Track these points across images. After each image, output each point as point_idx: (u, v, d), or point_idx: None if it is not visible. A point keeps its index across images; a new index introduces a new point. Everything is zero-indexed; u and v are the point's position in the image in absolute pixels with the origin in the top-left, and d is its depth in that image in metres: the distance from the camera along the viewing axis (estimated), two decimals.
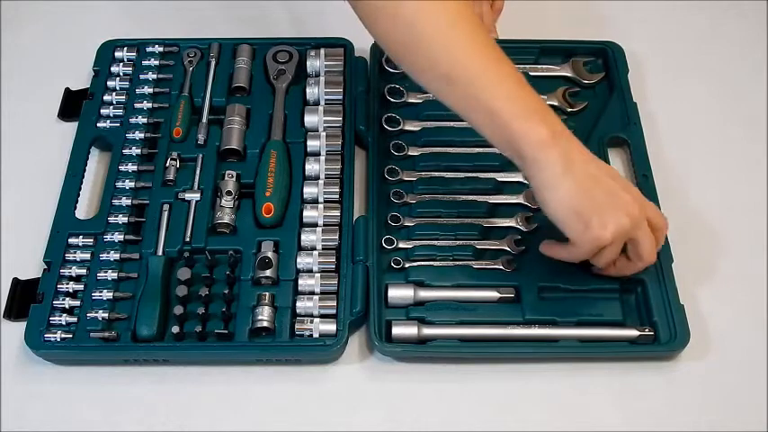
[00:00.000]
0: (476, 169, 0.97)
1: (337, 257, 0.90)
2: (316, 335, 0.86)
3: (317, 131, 0.99)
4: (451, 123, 0.98)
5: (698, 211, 0.97)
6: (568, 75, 1.05)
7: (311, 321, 0.86)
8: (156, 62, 1.04)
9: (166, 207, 0.93)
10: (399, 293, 0.88)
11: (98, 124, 1.00)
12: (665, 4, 1.15)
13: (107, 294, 0.88)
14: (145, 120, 1.00)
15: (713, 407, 0.85)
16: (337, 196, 0.94)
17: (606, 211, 0.78)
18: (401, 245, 0.92)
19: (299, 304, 0.87)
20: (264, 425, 0.83)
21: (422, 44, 0.78)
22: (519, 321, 0.87)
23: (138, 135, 0.98)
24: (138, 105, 1.01)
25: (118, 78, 1.03)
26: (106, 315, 0.86)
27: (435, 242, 0.92)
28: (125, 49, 1.05)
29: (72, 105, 1.03)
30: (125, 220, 0.92)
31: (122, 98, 1.01)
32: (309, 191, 0.94)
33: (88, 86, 1.03)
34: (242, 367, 0.87)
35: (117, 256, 0.90)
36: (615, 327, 0.87)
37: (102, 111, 1.01)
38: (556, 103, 1.02)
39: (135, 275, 0.89)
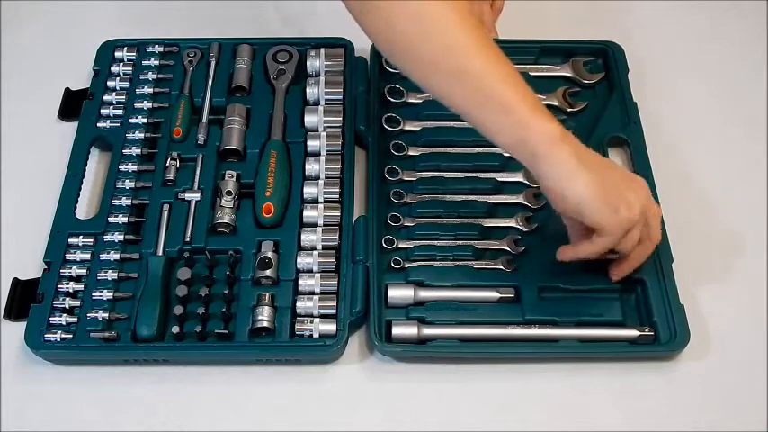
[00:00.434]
0: (476, 169, 0.97)
1: (337, 257, 0.90)
2: (316, 335, 0.86)
3: (317, 131, 0.99)
4: (451, 123, 0.98)
5: (698, 211, 0.97)
6: (568, 75, 1.05)
7: (311, 321, 0.86)
8: (156, 62, 1.04)
9: (166, 207, 0.93)
10: (399, 293, 0.88)
11: (98, 124, 1.00)
12: (664, 4, 1.15)
13: (107, 294, 0.88)
14: (145, 120, 1.00)
15: (713, 407, 0.85)
16: (337, 196, 0.94)
17: (626, 192, 0.79)
18: (401, 245, 0.92)
19: (299, 304, 0.88)
20: (264, 425, 0.83)
21: (432, 37, 0.76)
22: (519, 321, 0.87)
23: (138, 135, 0.98)
24: (138, 105, 1.01)
25: (118, 78, 1.03)
26: (106, 315, 0.86)
27: (435, 242, 0.92)
28: (125, 49, 1.05)
29: (72, 105, 1.03)
30: (125, 220, 0.92)
31: (122, 98, 1.01)
32: (309, 191, 0.94)
33: (88, 86, 1.03)
34: (242, 367, 0.87)
35: (117, 256, 0.90)
36: (615, 327, 0.87)
37: (102, 111, 1.01)
38: (556, 103, 1.02)
39: (135, 275, 0.89)
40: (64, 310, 0.87)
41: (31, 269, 0.91)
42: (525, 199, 0.95)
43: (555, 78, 1.05)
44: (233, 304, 0.88)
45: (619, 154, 1.01)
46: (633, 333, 0.86)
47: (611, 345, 0.87)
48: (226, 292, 0.88)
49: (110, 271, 0.89)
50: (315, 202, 0.94)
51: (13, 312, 0.88)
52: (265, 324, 0.85)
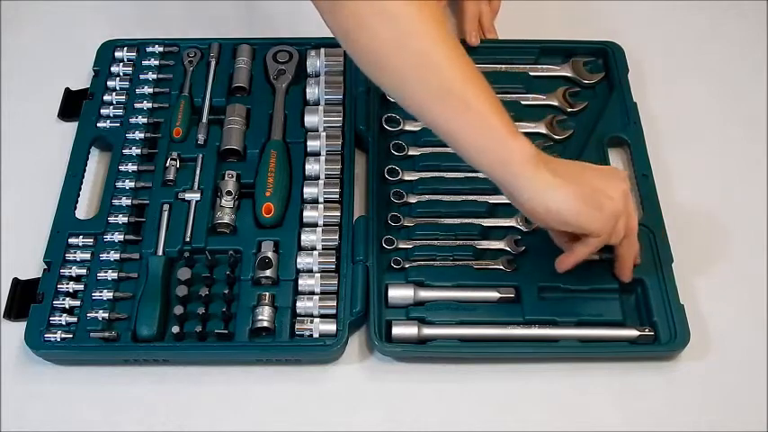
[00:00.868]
0: (476, 169, 0.97)
1: (337, 257, 0.90)
2: (316, 335, 0.86)
3: (317, 131, 0.99)
4: None
5: (698, 211, 0.97)
6: (568, 75, 1.05)
7: (311, 321, 0.86)
8: (156, 62, 1.04)
9: (166, 207, 0.93)
10: (399, 293, 0.88)
11: (98, 124, 1.00)
12: (665, 4, 1.15)
13: (107, 294, 0.88)
14: (145, 120, 1.00)
15: (713, 407, 0.85)
16: (337, 196, 0.94)
17: (605, 187, 0.80)
18: (401, 245, 0.92)
19: (299, 304, 0.87)
20: (264, 425, 0.83)
21: (416, 52, 0.75)
22: (519, 321, 0.87)
23: (138, 135, 0.98)
24: (138, 105, 1.01)
25: (118, 78, 1.03)
26: (106, 315, 0.86)
27: (435, 242, 0.92)
28: (125, 49, 1.05)
29: (72, 105, 1.03)
30: (125, 220, 0.92)
31: (122, 98, 1.01)
32: (309, 191, 0.94)
33: (88, 86, 1.03)
34: (242, 367, 0.87)
35: (117, 256, 0.90)
36: (615, 327, 0.87)
37: (102, 111, 1.01)
38: (556, 103, 1.02)
39: (135, 275, 0.89)
40: (64, 310, 0.87)
41: (31, 269, 0.91)
42: None
43: (555, 78, 1.05)
44: (233, 304, 0.88)
45: (619, 154, 1.01)
46: (633, 333, 0.86)
47: (611, 345, 0.87)
48: (226, 292, 0.88)
49: (110, 271, 0.89)
50: (315, 202, 0.94)
51: (13, 312, 0.88)
52: (265, 324, 0.85)
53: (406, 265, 0.90)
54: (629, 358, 0.87)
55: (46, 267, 0.89)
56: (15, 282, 0.90)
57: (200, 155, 0.97)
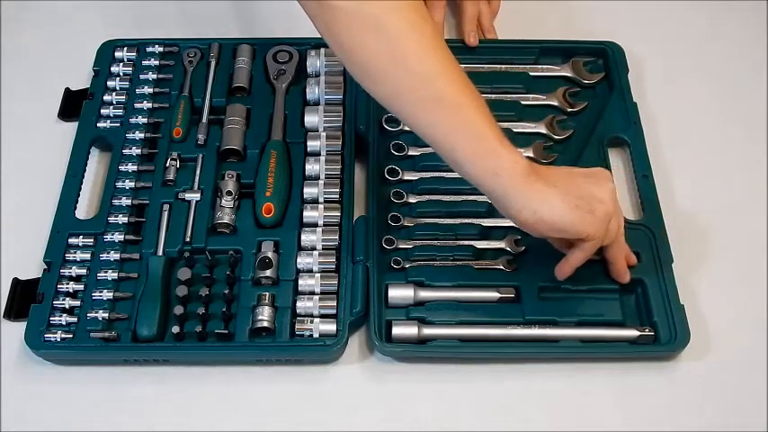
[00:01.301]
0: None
1: (337, 257, 0.90)
2: (316, 335, 0.86)
3: (317, 131, 0.99)
4: None
5: (698, 211, 0.97)
6: (568, 75, 1.05)
7: (311, 321, 0.86)
8: (156, 62, 1.04)
9: (166, 207, 0.93)
10: (399, 293, 0.88)
11: (98, 124, 1.00)
12: (664, 4, 1.15)
13: (107, 294, 0.88)
14: (145, 120, 1.00)
15: (713, 407, 0.85)
16: (337, 196, 0.94)
17: (594, 189, 0.80)
18: (401, 245, 0.92)
19: (299, 304, 0.87)
20: (264, 425, 0.83)
21: (408, 62, 0.75)
22: (519, 321, 0.87)
23: (138, 135, 0.98)
24: (138, 105, 1.01)
25: (118, 78, 1.03)
26: (106, 315, 0.86)
27: (435, 242, 0.92)
28: (125, 49, 1.05)
29: (72, 105, 1.03)
30: (125, 220, 0.92)
31: (122, 98, 1.01)
32: (309, 191, 0.94)
33: (88, 86, 1.03)
34: (242, 367, 0.87)
35: (117, 256, 0.90)
36: (615, 327, 0.87)
37: (102, 111, 1.00)
38: (556, 103, 1.02)
39: (135, 275, 0.89)
40: (64, 310, 0.87)
41: (31, 269, 0.91)
42: None
43: (555, 78, 1.05)
44: (233, 304, 0.88)
45: (619, 154, 1.01)
46: (633, 333, 0.86)
47: (611, 345, 0.87)
48: (226, 292, 0.88)
49: (110, 271, 0.89)
50: (315, 202, 0.94)
51: (13, 312, 0.88)
52: (265, 324, 0.85)
53: (406, 265, 0.90)
54: (629, 358, 0.87)
55: (46, 267, 0.89)
56: (15, 282, 0.90)
57: (201, 155, 0.97)
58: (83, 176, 0.96)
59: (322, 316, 0.87)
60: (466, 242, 0.92)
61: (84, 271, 0.89)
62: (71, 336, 0.85)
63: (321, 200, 0.94)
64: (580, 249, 0.83)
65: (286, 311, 0.87)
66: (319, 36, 0.75)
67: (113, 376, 0.86)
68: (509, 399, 0.85)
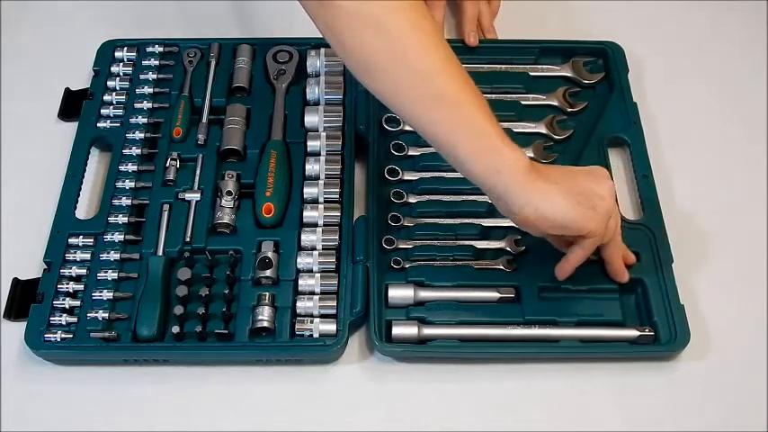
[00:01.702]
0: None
1: (337, 257, 0.90)
2: (316, 335, 0.86)
3: (317, 131, 0.99)
4: None
5: (698, 210, 0.97)
6: (568, 75, 1.05)
7: (311, 321, 0.86)
8: (156, 62, 1.04)
9: (166, 207, 0.93)
10: (399, 293, 0.88)
11: (98, 124, 1.00)
12: (664, 4, 1.15)
13: (107, 294, 0.88)
14: (145, 120, 1.00)
15: (713, 407, 0.85)
16: (337, 196, 0.94)
17: (594, 186, 0.80)
18: (401, 245, 0.92)
19: (299, 304, 0.87)
20: (264, 425, 0.83)
21: (409, 60, 0.75)
22: (519, 321, 0.87)
23: (138, 135, 0.98)
24: (138, 105, 1.01)
25: (118, 78, 1.03)
26: (106, 315, 0.86)
27: (435, 242, 0.92)
28: (125, 49, 1.05)
29: (72, 105, 1.03)
30: (125, 220, 0.92)
31: (122, 98, 1.01)
32: (309, 191, 0.94)
33: (88, 86, 1.03)
34: (242, 367, 0.87)
35: (117, 256, 0.90)
36: (615, 327, 0.87)
37: (102, 111, 1.00)
38: (556, 103, 1.02)
39: (135, 275, 0.89)
40: (64, 310, 0.87)
41: (31, 269, 0.91)
42: None
43: (555, 78, 1.05)
44: (233, 304, 0.88)
45: (619, 154, 1.01)
46: (633, 333, 0.86)
47: (611, 345, 0.87)
48: (226, 292, 0.88)
49: (110, 271, 0.89)
50: (315, 202, 0.94)
51: (13, 312, 0.88)
52: (265, 324, 0.85)
53: (406, 265, 0.90)
54: (629, 358, 0.87)
55: (46, 267, 0.89)
56: (15, 282, 0.90)
57: (200, 155, 0.97)
58: (83, 176, 0.96)
59: (322, 316, 0.87)
60: (466, 242, 0.92)
61: (84, 271, 0.89)
62: (71, 336, 0.85)
63: (321, 200, 0.94)
64: (580, 247, 0.83)
65: (286, 311, 0.87)
66: (319, 36, 0.76)
67: (113, 376, 0.86)
68: (509, 399, 0.85)
